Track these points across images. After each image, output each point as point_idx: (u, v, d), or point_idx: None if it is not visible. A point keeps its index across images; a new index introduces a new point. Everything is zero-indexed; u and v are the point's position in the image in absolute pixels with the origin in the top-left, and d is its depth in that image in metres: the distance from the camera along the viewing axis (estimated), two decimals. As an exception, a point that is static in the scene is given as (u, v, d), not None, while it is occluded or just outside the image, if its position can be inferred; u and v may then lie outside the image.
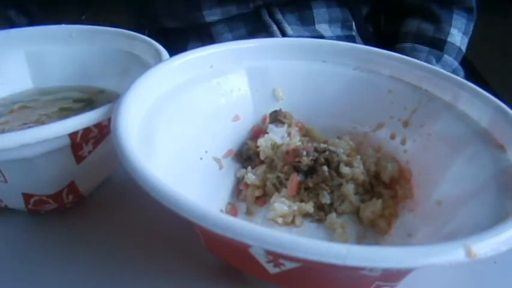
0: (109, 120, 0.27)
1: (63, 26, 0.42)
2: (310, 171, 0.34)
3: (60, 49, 0.41)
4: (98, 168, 0.33)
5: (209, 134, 0.35)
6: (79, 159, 0.30)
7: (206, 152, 0.34)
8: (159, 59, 0.35)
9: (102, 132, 0.29)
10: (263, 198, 0.35)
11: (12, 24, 0.58)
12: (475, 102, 0.32)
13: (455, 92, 0.33)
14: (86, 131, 0.28)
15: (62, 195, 0.31)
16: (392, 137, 0.36)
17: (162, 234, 0.31)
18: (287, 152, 0.35)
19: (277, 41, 0.39)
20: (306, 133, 0.39)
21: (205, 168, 0.34)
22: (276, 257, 0.22)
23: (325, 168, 0.34)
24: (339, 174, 0.34)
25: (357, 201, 0.34)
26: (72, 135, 0.27)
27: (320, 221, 0.33)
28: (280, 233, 0.20)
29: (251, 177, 0.35)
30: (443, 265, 0.19)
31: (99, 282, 0.29)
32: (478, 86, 0.33)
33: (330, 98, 0.38)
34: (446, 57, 0.63)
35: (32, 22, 0.58)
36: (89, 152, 0.30)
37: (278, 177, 0.35)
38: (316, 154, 0.34)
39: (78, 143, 0.28)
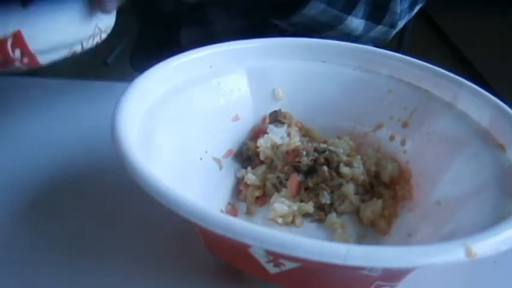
0: None
1: None
2: (310, 171, 0.34)
3: None
4: (52, 24, 0.29)
5: (209, 134, 0.35)
6: (25, 1, 0.26)
7: (206, 152, 0.35)
8: None
9: None
10: (263, 198, 0.35)
11: None
12: (475, 102, 0.32)
13: (455, 92, 0.33)
14: None
15: (6, 45, 0.27)
16: (392, 138, 0.36)
17: (162, 234, 0.31)
18: (287, 152, 0.35)
19: (277, 41, 0.39)
20: (306, 133, 0.39)
21: (205, 168, 0.34)
22: (276, 257, 0.22)
23: (325, 168, 0.34)
24: (339, 174, 0.34)
25: (357, 201, 0.34)
26: None
27: (320, 221, 0.33)
28: (280, 233, 0.20)
29: (251, 177, 0.35)
30: (443, 265, 0.19)
31: (98, 281, 0.29)
32: (478, 86, 0.33)
33: (330, 98, 0.38)
34: None
35: None
36: None
37: (278, 177, 0.35)
38: (316, 154, 0.34)
39: None
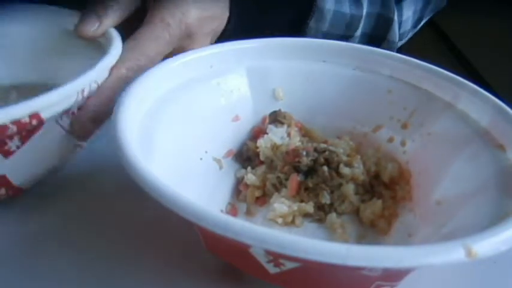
0: (30, 117, 0.26)
1: None
2: (310, 171, 0.34)
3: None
4: (36, 160, 0.31)
5: (209, 134, 0.35)
6: (6, 153, 0.28)
7: (206, 152, 0.34)
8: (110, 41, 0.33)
9: (25, 128, 0.27)
10: (263, 199, 0.35)
11: None
12: (475, 102, 0.32)
13: (455, 92, 0.33)
14: (1, 128, 0.26)
15: None
16: (391, 140, 0.36)
17: (162, 234, 0.31)
18: (287, 152, 0.35)
19: (278, 40, 0.39)
20: (305, 133, 0.39)
21: (205, 168, 0.34)
22: (276, 257, 0.22)
23: (325, 168, 0.34)
24: (339, 174, 0.34)
25: (357, 201, 0.34)
26: None
27: (320, 221, 0.33)
28: (280, 233, 0.20)
29: (251, 177, 0.35)
30: (443, 265, 0.20)
31: (98, 281, 0.29)
32: (478, 86, 0.33)
33: (330, 98, 0.38)
34: None
35: None
36: (18, 147, 0.28)
37: (278, 177, 0.35)
38: (316, 154, 0.34)
39: None
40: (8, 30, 0.39)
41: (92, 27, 0.35)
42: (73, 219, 0.33)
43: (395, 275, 0.24)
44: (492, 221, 0.23)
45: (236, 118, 0.37)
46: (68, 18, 0.37)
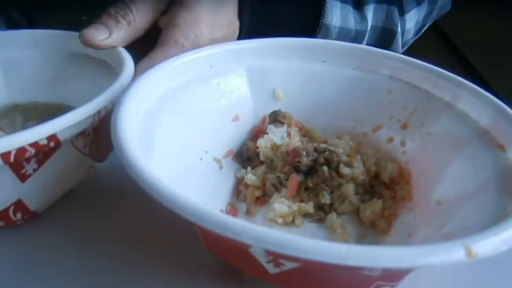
0: (48, 138, 0.26)
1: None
2: (310, 171, 0.34)
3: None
4: (52, 183, 0.31)
5: (209, 134, 0.35)
6: (23, 177, 0.28)
7: (206, 152, 0.35)
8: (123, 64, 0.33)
9: (43, 150, 0.27)
10: (263, 199, 0.35)
11: (15, 25, 0.58)
12: (475, 102, 0.32)
13: (455, 92, 0.33)
14: (20, 151, 0.26)
15: (8, 213, 0.30)
16: (391, 140, 0.36)
17: (162, 234, 0.31)
18: (287, 152, 0.35)
19: (277, 40, 0.39)
20: (305, 133, 0.39)
21: (205, 168, 0.34)
22: (276, 257, 0.22)
23: (325, 168, 0.34)
24: (339, 174, 0.34)
25: (357, 201, 0.34)
26: (4, 156, 0.25)
27: (320, 221, 0.33)
28: (280, 233, 0.20)
29: (251, 177, 0.35)
30: (443, 265, 0.19)
31: (98, 281, 0.29)
32: (478, 86, 0.33)
33: (330, 98, 0.38)
34: None
35: (32, 23, 0.57)
36: (34, 170, 0.28)
37: (278, 177, 0.35)
38: (316, 154, 0.34)
39: (15, 162, 0.26)
40: (18, 54, 0.39)
41: (99, 36, 0.35)
42: (72, 218, 0.33)
43: (395, 275, 0.24)
44: (492, 221, 0.23)
45: (236, 118, 0.37)
46: (77, 42, 0.37)
